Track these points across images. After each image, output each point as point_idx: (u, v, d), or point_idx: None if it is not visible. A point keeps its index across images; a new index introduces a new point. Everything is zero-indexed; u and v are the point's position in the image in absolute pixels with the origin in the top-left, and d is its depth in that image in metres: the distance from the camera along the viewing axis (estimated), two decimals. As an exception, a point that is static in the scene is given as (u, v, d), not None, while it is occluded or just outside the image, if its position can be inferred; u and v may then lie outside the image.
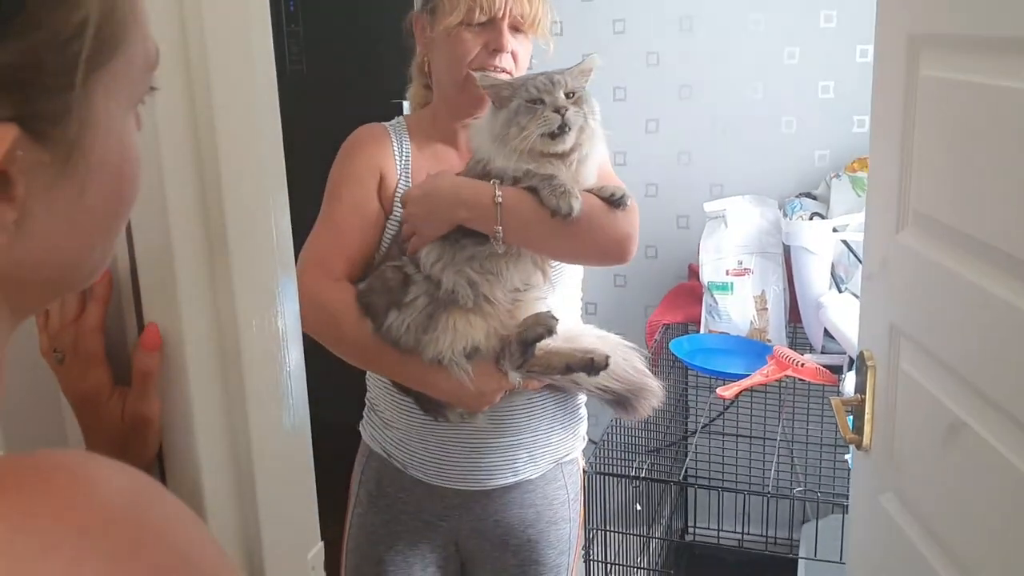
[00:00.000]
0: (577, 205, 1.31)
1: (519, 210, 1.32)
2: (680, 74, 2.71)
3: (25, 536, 0.37)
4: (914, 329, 1.13)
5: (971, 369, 0.98)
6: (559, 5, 2.74)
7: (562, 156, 1.35)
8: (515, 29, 1.42)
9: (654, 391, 1.49)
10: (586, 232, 1.35)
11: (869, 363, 1.24)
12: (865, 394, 1.25)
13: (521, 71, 1.44)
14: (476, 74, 1.39)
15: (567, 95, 1.34)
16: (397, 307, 1.35)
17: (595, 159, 1.40)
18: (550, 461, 1.52)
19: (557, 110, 1.32)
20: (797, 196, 2.47)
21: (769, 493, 1.79)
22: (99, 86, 0.46)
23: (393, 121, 1.53)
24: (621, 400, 1.48)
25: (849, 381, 1.85)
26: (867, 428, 1.24)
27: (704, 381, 2.45)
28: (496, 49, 1.40)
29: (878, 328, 1.23)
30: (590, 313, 2.96)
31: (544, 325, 1.34)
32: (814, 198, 2.45)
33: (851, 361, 2.07)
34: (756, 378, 2.00)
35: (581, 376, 1.41)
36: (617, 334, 1.51)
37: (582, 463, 1.62)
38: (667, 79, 2.72)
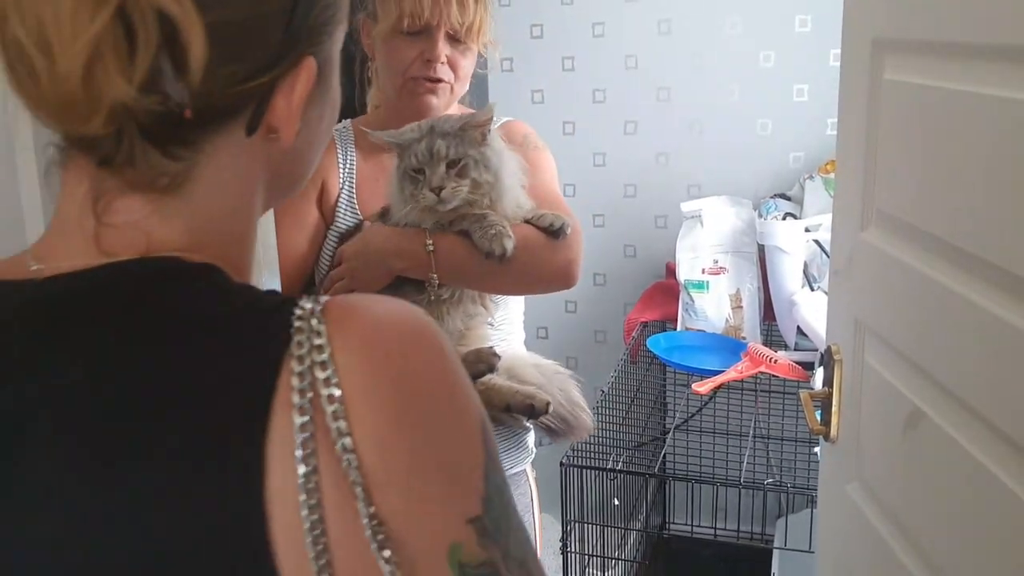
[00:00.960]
0: (510, 245, 1.29)
1: (453, 255, 1.32)
2: (658, 77, 2.75)
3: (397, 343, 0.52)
4: (878, 324, 1.17)
5: (930, 361, 1.02)
6: (539, 8, 2.79)
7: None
8: (453, 38, 1.38)
9: (585, 427, 1.47)
10: (524, 267, 1.33)
11: (836, 357, 1.28)
12: (832, 387, 1.29)
13: (462, 81, 1.43)
14: (365, 131, 1.39)
15: (450, 164, 1.30)
16: None
17: (510, 198, 1.36)
18: None
19: (433, 189, 1.28)
20: (772, 197, 2.51)
21: (741, 484, 1.83)
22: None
23: (339, 125, 1.51)
24: (552, 431, 1.47)
25: (820, 376, 1.89)
26: (834, 420, 1.29)
27: (682, 378, 2.49)
28: (429, 60, 1.37)
29: (844, 323, 1.27)
30: (569, 311, 3.00)
31: (485, 362, 1.34)
32: (788, 199, 2.49)
33: (822, 358, 2.12)
34: (731, 374, 2.04)
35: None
36: (554, 361, 1.51)
37: (532, 475, 1.61)
38: (645, 82, 2.76)
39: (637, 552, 2.64)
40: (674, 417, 2.65)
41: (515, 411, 1.36)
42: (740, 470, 2.02)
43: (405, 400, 0.50)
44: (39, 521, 0.49)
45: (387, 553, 0.48)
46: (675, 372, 2.46)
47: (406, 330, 0.53)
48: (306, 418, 0.48)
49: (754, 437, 2.43)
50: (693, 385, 2.02)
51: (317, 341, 0.50)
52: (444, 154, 1.29)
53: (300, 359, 0.50)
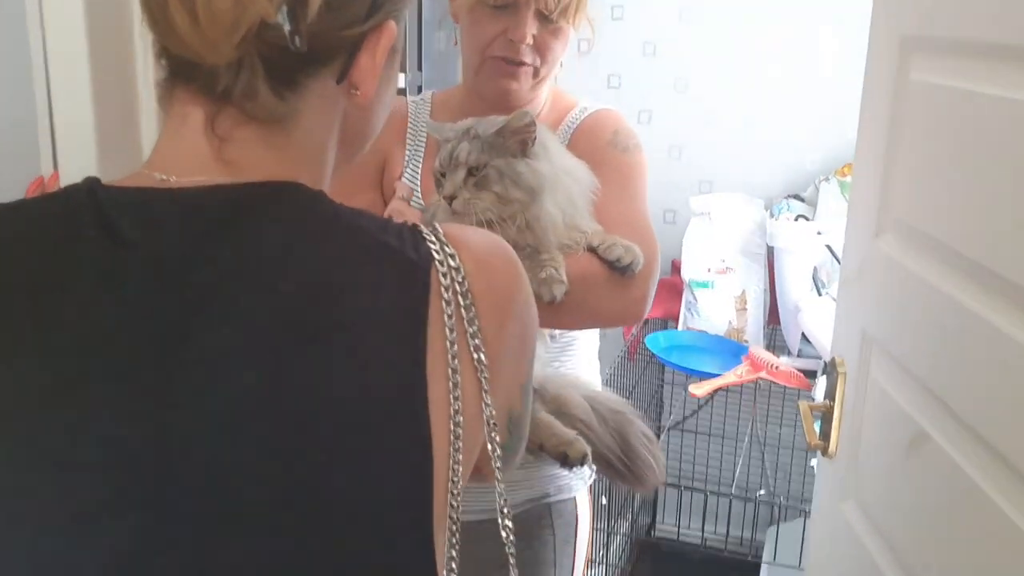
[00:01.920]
0: (560, 292, 1.12)
1: None
2: (676, 65, 2.69)
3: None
4: (886, 337, 1.12)
5: (938, 381, 0.97)
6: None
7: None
8: (544, 16, 1.21)
9: (646, 481, 1.25)
10: (581, 307, 1.16)
11: (840, 369, 1.23)
12: (834, 400, 1.24)
13: (549, 66, 1.26)
14: (427, 123, 1.29)
15: (471, 171, 1.14)
16: None
17: (553, 224, 1.16)
18: (528, 498, 1.32)
19: (446, 196, 1.14)
20: (785, 198, 2.46)
21: (733, 495, 1.78)
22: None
23: (418, 97, 1.40)
24: (611, 469, 1.26)
25: (822, 386, 1.84)
26: (834, 435, 1.24)
27: (679, 378, 2.45)
28: (513, 39, 1.21)
29: (851, 334, 1.22)
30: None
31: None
32: (802, 200, 2.44)
33: (825, 366, 2.07)
34: (730, 378, 1.99)
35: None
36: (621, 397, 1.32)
37: (583, 502, 1.40)
38: (663, 70, 2.70)
39: (621, 557, 2.60)
40: (669, 417, 2.62)
41: (548, 454, 1.18)
42: (733, 476, 1.98)
43: (508, 302, 0.70)
44: (238, 370, 0.59)
45: (488, 398, 0.67)
46: (673, 373, 2.41)
47: (501, 253, 0.72)
48: (450, 309, 0.64)
49: (750, 443, 2.39)
50: (690, 387, 1.97)
51: (452, 263, 0.66)
52: (464, 159, 1.14)
53: (442, 268, 0.65)
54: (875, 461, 1.14)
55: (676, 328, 2.39)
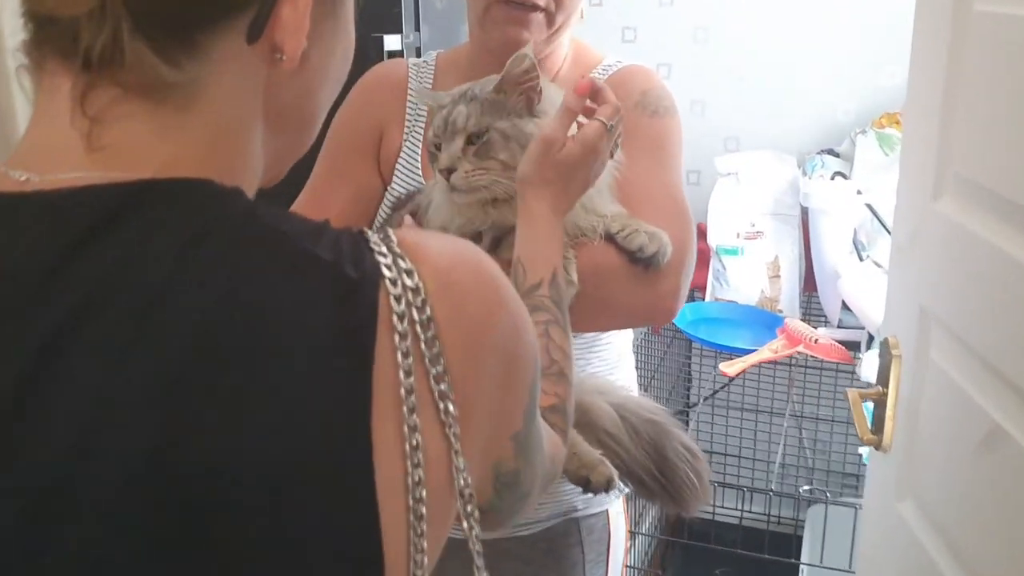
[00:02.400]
0: (570, 292, 0.96)
1: None
2: (695, 14, 2.54)
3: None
4: (949, 315, 0.98)
5: (1017, 368, 0.83)
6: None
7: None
8: None
9: (686, 502, 1.08)
10: (597, 305, 1.00)
11: (894, 352, 1.08)
12: (887, 387, 1.09)
13: (567, 12, 1.08)
14: (421, 91, 1.12)
15: (471, 138, 0.97)
16: None
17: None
18: (554, 512, 1.19)
19: (443, 170, 0.98)
20: (818, 153, 2.30)
21: (772, 491, 1.65)
22: None
23: (421, 59, 1.24)
24: (644, 488, 1.10)
25: (867, 362, 1.70)
26: (888, 426, 1.10)
27: (708, 351, 2.31)
28: None
29: (906, 311, 1.07)
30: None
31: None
32: (837, 155, 2.27)
33: (870, 338, 1.92)
34: (764, 353, 1.85)
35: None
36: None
37: (616, 514, 1.26)
38: (681, 20, 2.56)
39: (656, 528, 2.49)
40: (699, 391, 2.48)
41: (567, 478, 1.02)
42: (768, 454, 1.86)
43: (485, 331, 0.54)
44: (108, 433, 0.45)
45: (461, 461, 0.52)
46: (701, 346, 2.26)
47: (473, 265, 0.56)
48: (406, 344, 0.50)
49: (788, 416, 2.26)
50: (721, 365, 1.83)
51: (409, 281, 0.51)
52: (462, 125, 0.97)
53: (394, 289, 0.50)
54: (939, 458, 1.00)
55: (703, 299, 2.24)
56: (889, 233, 1.42)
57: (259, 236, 0.51)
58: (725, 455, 2.49)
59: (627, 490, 1.20)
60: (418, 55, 2.18)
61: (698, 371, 2.56)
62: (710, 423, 2.51)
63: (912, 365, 1.05)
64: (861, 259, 1.94)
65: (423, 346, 0.50)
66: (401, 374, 0.49)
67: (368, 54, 1.86)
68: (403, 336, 0.50)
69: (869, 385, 1.16)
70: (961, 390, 0.93)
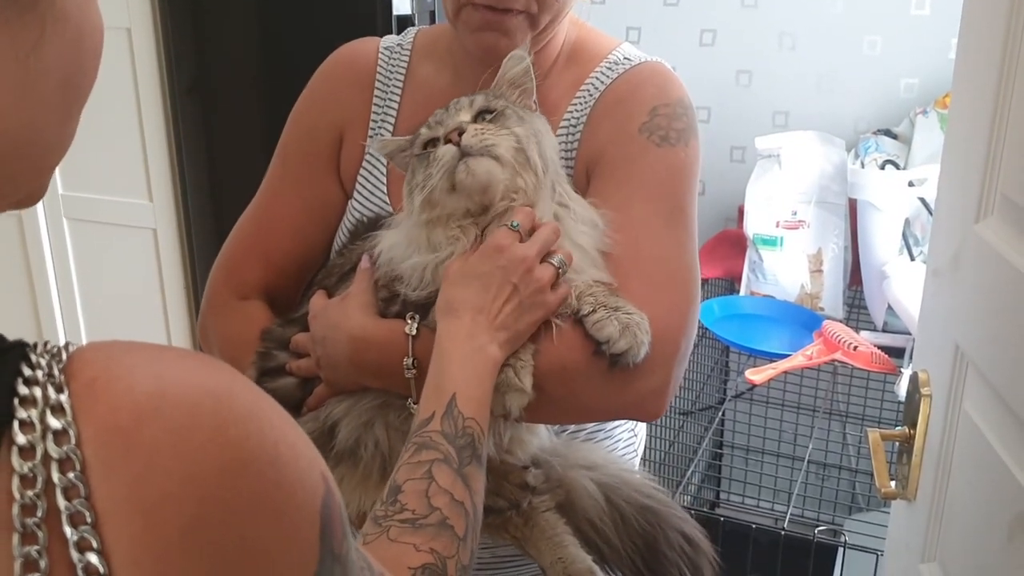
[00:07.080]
0: (518, 404, 0.80)
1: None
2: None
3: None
4: (985, 359, 0.86)
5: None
6: None
7: (486, 215, 0.85)
8: None
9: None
10: (560, 407, 0.86)
11: (924, 390, 0.97)
12: (915, 428, 0.98)
13: (551, 9, 0.92)
14: (370, 141, 1.00)
15: (479, 115, 0.87)
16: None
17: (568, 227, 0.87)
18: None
19: (450, 134, 0.84)
20: (874, 134, 2.14)
21: (783, 529, 1.54)
22: None
23: (399, 37, 1.08)
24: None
25: (907, 377, 1.58)
26: (913, 474, 0.99)
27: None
28: None
29: (940, 345, 0.96)
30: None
31: (505, 497, 0.91)
32: (894, 136, 2.11)
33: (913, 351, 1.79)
34: (797, 360, 1.74)
35: None
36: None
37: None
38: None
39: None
40: (735, 385, 2.38)
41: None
42: (806, 454, 1.76)
43: (194, 526, 0.36)
44: None
45: None
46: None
47: (179, 422, 0.36)
48: (36, 546, 0.33)
49: (828, 414, 2.14)
50: (746, 372, 1.72)
51: (55, 422, 0.34)
52: (469, 102, 0.88)
53: (24, 436, 0.34)
54: (969, 519, 0.90)
55: (739, 292, 2.12)
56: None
57: None
58: (763, 456, 2.39)
59: None
60: (432, 20, 2.07)
61: (736, 363, 2.46)
62: (747, 417, 2.41)
63: (943, 409, 0.94)
64: (912, 258, 1.80)
65: (73, 549, 0.34)
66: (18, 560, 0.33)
67: (375, 22, 1.76)
68: (28, 526, 0.34)
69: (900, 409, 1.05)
70: (995, 453, 0.82)
